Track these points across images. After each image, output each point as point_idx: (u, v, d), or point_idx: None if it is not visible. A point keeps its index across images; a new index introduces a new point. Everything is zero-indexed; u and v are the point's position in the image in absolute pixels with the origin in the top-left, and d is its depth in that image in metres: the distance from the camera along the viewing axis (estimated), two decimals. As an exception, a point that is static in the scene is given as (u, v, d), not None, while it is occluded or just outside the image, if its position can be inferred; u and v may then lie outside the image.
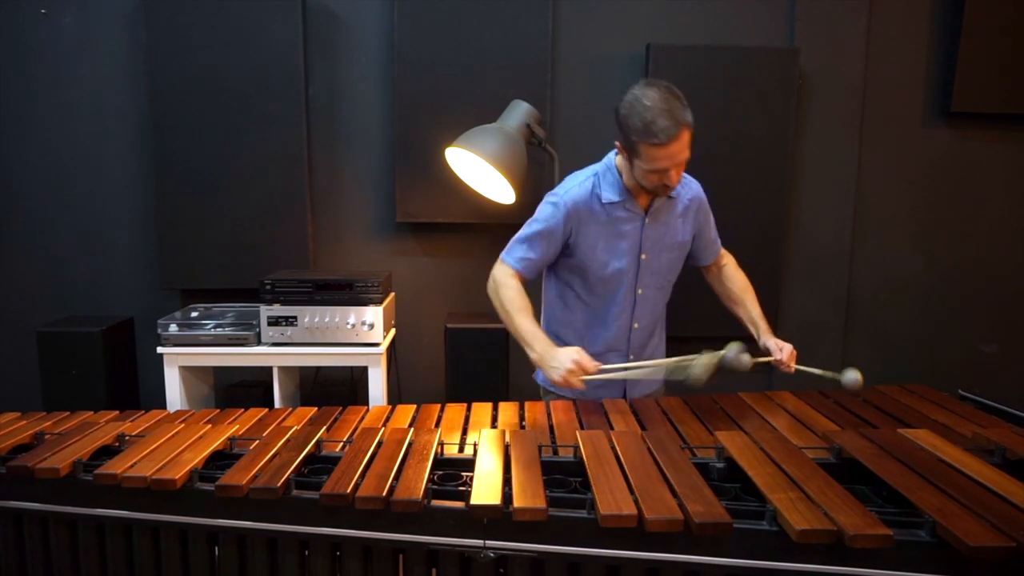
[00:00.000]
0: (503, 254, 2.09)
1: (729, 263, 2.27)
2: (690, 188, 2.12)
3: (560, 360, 1.87)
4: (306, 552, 1.46)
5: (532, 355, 1.96)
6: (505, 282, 2.03)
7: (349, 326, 2.60)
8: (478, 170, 2.68)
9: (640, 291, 2.08)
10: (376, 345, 2.62)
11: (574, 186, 2.03)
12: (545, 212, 2.03)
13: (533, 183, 2.93)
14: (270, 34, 2.88)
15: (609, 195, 2.00)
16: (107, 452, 1.65)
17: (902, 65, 3.12)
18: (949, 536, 1.19)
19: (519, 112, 2.65)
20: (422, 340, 3.19)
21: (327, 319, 2.59)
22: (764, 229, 3.07)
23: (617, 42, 3.02)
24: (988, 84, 3.05)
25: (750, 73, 2.97)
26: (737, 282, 2.23)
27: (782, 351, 2.03)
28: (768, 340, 2.08)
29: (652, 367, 2.04)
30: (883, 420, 1.83)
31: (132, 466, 1.52)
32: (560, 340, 2.12)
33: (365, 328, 2.60)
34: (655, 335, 2.23)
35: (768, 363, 2.05)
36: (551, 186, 2.76)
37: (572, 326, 2.15)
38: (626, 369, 2.03)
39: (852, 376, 1.93)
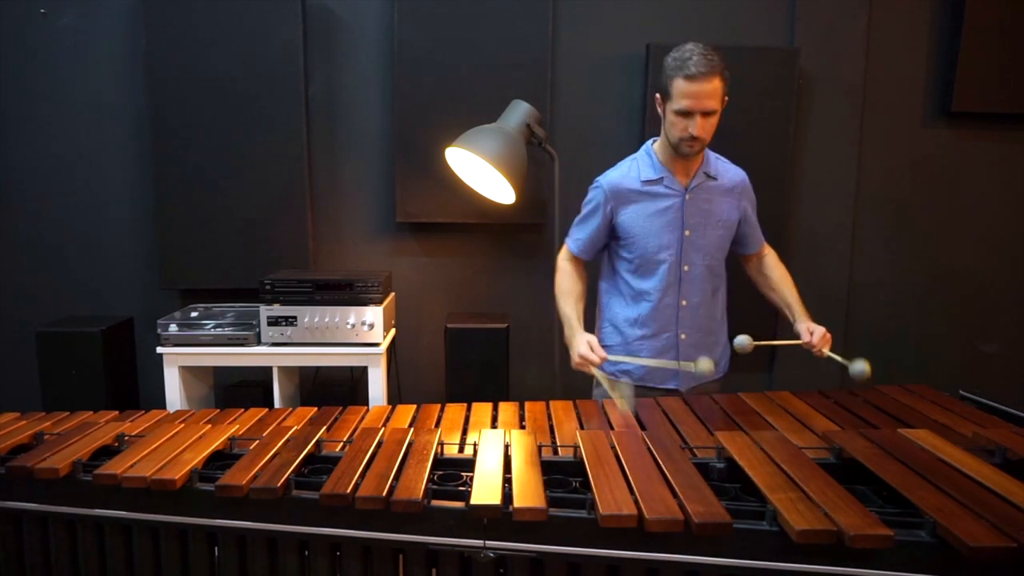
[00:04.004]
0: (567, 237, 2.28)
1: (771, 255, 2.33)
2: (736, 173, 2.21)
3: (574, 347, 2.02)
4: (306, 552, 1.46)
5: (565, 337, 2.12)
6: (560, 265, 2.25)
7: (349, 326, 2.59)
8: (478, 170, 2.68)
9: (686, 268, 2.12)
10: (376, 345, 2.62)
11: (613, 170, 2.20)
12: (589, 195, 2.21)
13: (533, 183, 2.92)
14: (270, 34, 2.88)
15: (647, 173, 2.12)
16: (107, 452, 1.66)
17: (902, 65, 3.12)
18: (949, 536, 1.19)
19: (519, 112, 2.65)
20: (422, 340, 3.19)
21: (327, 319, 2.59)
22: (764, 228, 3.05)
23: (617, 42, 3.02)
24: (988, 84, 3.05)
25: (750, 73, 2.96)
26: (776, 270, 2.29)
27: (812, 335, 2.04)
28: (800, 324, 2.11)
29: (656, 364, 2.10)
30: (883, 420, 1.83)
31: (132, 466, 1.52)
32: (614, 321, 2.23)
33: (365, 328, 2.60)
34: (714, 328, 2.23)
35: (796, 345, 2.07)
36: (551, 186, 2.78)
37: (624, 306, 2.21)
38: (632, 361, 2.14)
39: (860, 367, 1.91)
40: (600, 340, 2.25)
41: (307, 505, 1.43)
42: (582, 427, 1.82)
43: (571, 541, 1.34)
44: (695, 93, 1.92)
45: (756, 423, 1.83)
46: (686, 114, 1.95)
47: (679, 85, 1.93)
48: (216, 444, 1.64)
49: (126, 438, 1.73)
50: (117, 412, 1.94)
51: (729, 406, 1.96)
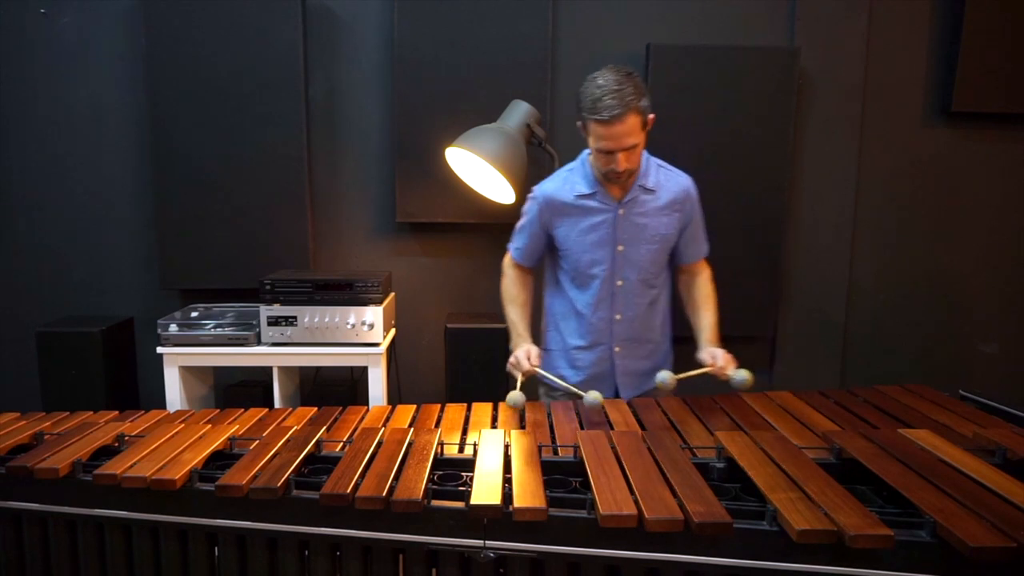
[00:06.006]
0: (509, 242, 2.27)
1: (704, 274, 2.23)
2: (678, 182, 2.12)
3: (513, 353, 2.06)
4: (306, 552, 1.46)
5: (511, 343, 2.16)
6: (505, 271, 2.26)
7: (349, 326, 2.59)
8: (478, 170, 2.68)
9: (620, 283, 2.10)
10: (376, 345, 2.62)
11: (549, 180, 2.18)
12: (526, 205, 2.20)
13: (533, 183, 2.91)
14: (270, 34, 2.88)
15: (580, 187, 2.08)
16: (107, 452, 1.65)
17: (902, 65, 3.12)
18: (949, 536, 1.19)
19: (519, 112, 2.65)
20: (422, 340, 3.19)
21: (327, 319, 2.59)
22: (764, 229, 3.07)
23: (617, 42, 3.02)
24: (988, 84, 3.05)
25: (750, 73, 2.96)
26: (702, 290, 2.19)
27: (715, 358, 1.97)
28: (703, 352, 2.04)
29: (574, 391, 2.00)
30: (883, 420, 1.83)
31: (132, 466, 1.52)
32: (556, 326, 2.23)
33: (365, 328, 2.60)
34: (652, 338, 2.20)
35: (703, 374, 1.98)
36: (551, 186, 2.77)
37: (563, 314, 2.21)
38: (557, 380, 2.09)
39: (741, 376, 1.87)
40: (545, 344, 2.27)
41: (307, 505, 1.43)
42: (582, 427, 1.82)
43: (571, 541, 1.33)
44: (610, 135, 1.87)
45: (756, 423, 1.83)
46: (607, 152, 1.92)
47: (593, 128, 1.90)
48: (216, 444, 1.64)
49: (126, 438, 1.73)
50: (117, 412, 1.94)
51: (729, 406, 1.96)
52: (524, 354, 2.01)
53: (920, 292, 3.26)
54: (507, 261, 2.26)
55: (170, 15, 2.85)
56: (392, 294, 2.96)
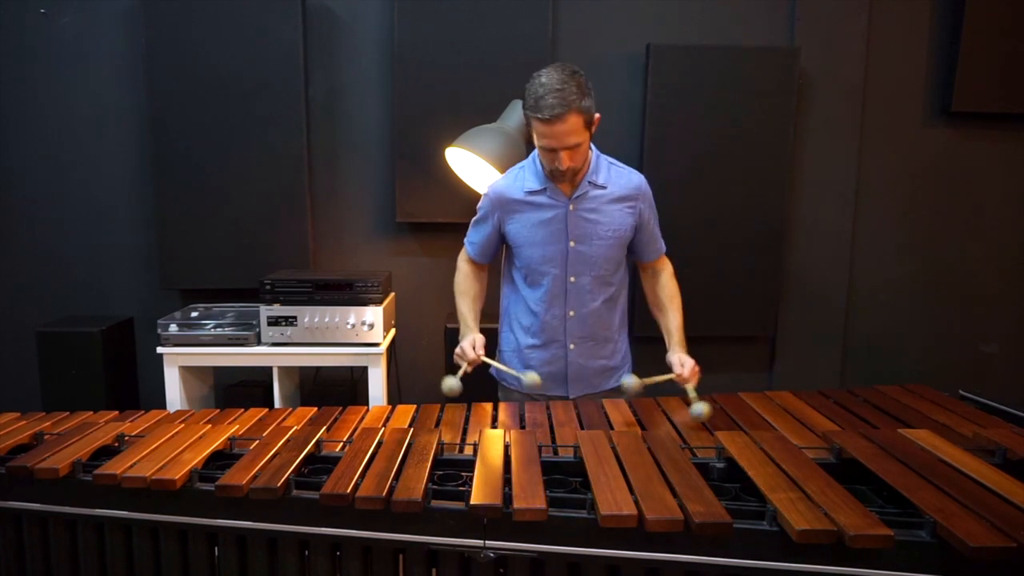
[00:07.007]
0: (465, 237, 2.27)
1: (667, 270, 2.22)
2: (629, 179, 2.11)
3: (460, 343, 2.09)
4: (306, 552, 1.46)
5: (460, 334, 2.17)
6: (459, 265, 2.27)
7: (349, 326, 2.60)
8: (478, 170, 2.68)
9: (573, 279, 2.09)
10: (376, 345, 2.62)
11: (502, 178, 2.18)
12: (481, 201, 2.20)
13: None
14: (270, 34, 2.88)
15: (531, 183, 2.08)
16: (107, 452, 1.66)
17: (902, 65, 3.12)
18: (949, 536, 1.20)
19: (519, 112, 2.64)
20: (422, 340, 3.19)
21: (327, 319, 2.59)
22: (764, 229, 3.07)
23: (617, 42, 3.02)
24: (988, 84, 3.05)
25: (750, 73, 2.97)
26: (667, 289, 2.18)
27: (684, 367, 1.96)
28: (673, 355, 2.03)
29: (515, 376, 2.07)
30: (883, 420, 1.83)
31: (132, 466, 1.52)
32: (511, 326, 2.25)
33: (365, 328, 2.60)
34: (609, 336, 2.17)
35: (668, 380, 1.96)
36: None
37: (517, 314, 2.22)
38: (502, 367, 2.15)
39: (699, 410, 1.79)
40: (500, 344, 2.29)
41: (307, 505, 1.43)
42: (582, 427, 1.82)
43: (571, 541, 1.34)
44: (552, 134, 1.86)
45: (756, 423, 1.83)
46: (549, 149, 1.91)
47: (536, 126, 1.89)
48: (216, 444, 1.64)
49: (126, 438, 1.73)
50: (117, 412, 1.94)
51: (729, 406, 1.96)
52: (469, 344, 2.04)
53: (920, 292, 3.26)
54: (462, 256, 2.26)
55: (170, 15, 2.85)
56: (392, 294, 2.96)
